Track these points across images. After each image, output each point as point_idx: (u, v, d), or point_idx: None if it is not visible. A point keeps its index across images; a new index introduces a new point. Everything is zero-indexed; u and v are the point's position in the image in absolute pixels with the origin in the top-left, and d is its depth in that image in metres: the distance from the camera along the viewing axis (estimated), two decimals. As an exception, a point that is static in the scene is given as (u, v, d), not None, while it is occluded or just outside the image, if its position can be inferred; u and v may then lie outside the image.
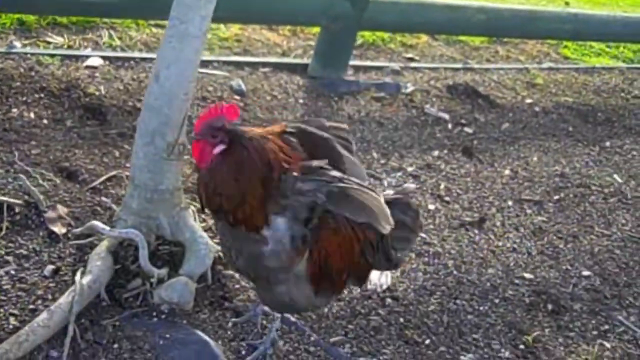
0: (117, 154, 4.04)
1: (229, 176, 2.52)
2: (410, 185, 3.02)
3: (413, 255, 3.89)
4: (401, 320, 3.40)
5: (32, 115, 4.18)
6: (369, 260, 2.74)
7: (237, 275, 3.34)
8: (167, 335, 3.00)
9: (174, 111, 3.24)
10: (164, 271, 3.20)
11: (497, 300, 3.67)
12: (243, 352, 3.03)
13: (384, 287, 3.56)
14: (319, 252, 2.63)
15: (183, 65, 3.19)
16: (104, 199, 3.58)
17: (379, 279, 3.59)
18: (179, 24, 3.16)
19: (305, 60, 5.76)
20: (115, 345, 2.90)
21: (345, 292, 3.48)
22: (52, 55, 4.81)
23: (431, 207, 4.35)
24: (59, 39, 5.16)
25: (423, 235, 4.06)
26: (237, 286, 3.34)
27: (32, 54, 4.76)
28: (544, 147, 5.45)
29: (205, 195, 2.60)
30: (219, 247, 3.34)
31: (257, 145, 2.54)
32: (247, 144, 2.52)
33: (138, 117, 3.32)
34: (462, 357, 3.27)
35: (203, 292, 3.26)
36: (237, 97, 5.00)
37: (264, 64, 5.56)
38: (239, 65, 5.45)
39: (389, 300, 3.50)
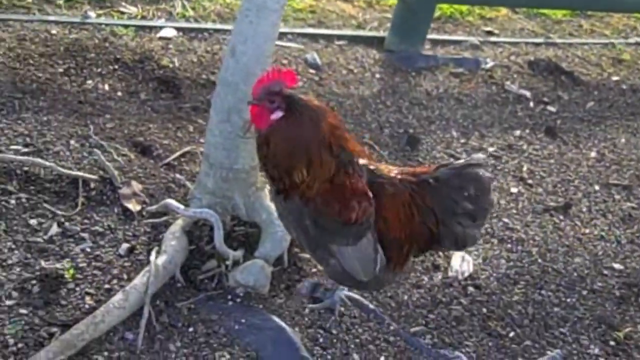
0: (190, 128, 3.95)
1: (283, 145, 2.47)
2: (479, 155, 2.81)
3: (495, 240, 3.72)
4: (484, 310, 3.25)
5: (106, 87, 4.12)
6: (432, 229, 2.63)
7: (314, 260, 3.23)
8: (243, 320, 2.92)
9: (251, 87, 3.11)
10: (239, 253, 3.10)
11: (585, 292, 3.49)
12: (320, 340, 2.92)
13: (466, 274, 3.41)
14: (378, 219, 2.55)
15: (260, 40, 3.07)
16: (178, 176, 3.50)
17: (460, 265, 3.44)
18: (256, -4, 3.03)
19: (381, 33, 5.58)
20: (191, 329, 2.82)
21: (426, 279, 3.35)
22: (126, 26, 4.74)
23: (513, 190, 4.16)
24: (132, 9, 5.08)
25: (505, 220, 3.89)
26: (314, 270, 3.23)
27: (106, 25, 4.69)
28: (632, 127, 5.18)
29: (260, 161, 2.57)
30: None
31: (314, 116, 2.46)
32: (304, 113, 2.45)
33: (213, 93, 3.21)
34: (548, 352, 3.10)
35: (279, 275, 3.16)
36: (312, 71, 4.87)
37: (339, 37, 5.40)
38: (313, 37, 5.30)
39: (470, 288, 3.35)
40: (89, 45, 4.37)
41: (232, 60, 3.10)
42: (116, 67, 4.29)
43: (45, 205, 3.14)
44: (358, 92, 4.79)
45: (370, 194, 2.53)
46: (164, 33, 4.79)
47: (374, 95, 4.79)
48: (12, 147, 3.38)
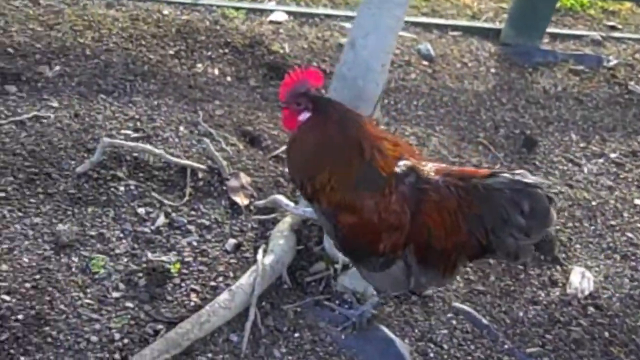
0: (301, 119, 3.82)
1: (307, 146, 2.37)
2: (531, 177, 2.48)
3: (617, 257, 3.48)
4: (606, 334, 3.03)
5: (216, 71, 4.03)
6: (480, 239, 2.40)
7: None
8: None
9: (369, 83, 2.97)
10: (348, 256, 2.97)
11: None
12: (431, 355, 2.77)
13: (586, 292, 3.19)
14: (420, 228, 2.39)
15: (382, 34, 2.91)
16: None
17: (579, 282, 3.22)
18: (381, -12, 2.87)
19: (497, 25, 5.33)
20: (297, 335, 2.71)
21: (542, 294, 3.14)
22: (237, 9, 4.65)
23: (637, 201, 3.89)
24: (244, -9, 4.98)
25: (629, 234, 3.63)
26: (423, 277, 3.06)
27: (218, 7, 4.61)
28: None
29: (287, 165, 2.47)
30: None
31: (342, 117, 2.36)
32: (331, 113, 2.36)
33: (328, 87, 3.08)
34: (676, 386, 2.88)
35: (388, 282, 3.00)
36: (425, 63, 4.68)
37: (454, 27, 5.19)
38: (426, 27, 5.10)
39: (591, 309, 3.13)
40: (199, 28, 4.29)
41: (351, 53, 2.95)
42: (226, 51, 4.21)
43: (154, 194, 3.07)
44: (472, 87, 4.58)
45: (405, 221, 2.38)
46: (274, 17, 4.68)
47: (488, 91, 4.57)
48: (123, 131, 3.32)
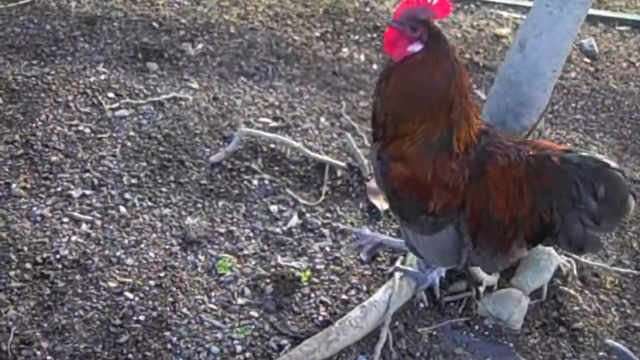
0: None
1: (408, 84, 2.09)
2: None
3: None
4: None
5: (362, 57, 3.80)
6: (543, 216, 2.13)
7: (579, 297, 2.76)
8: (489, 359, 2.52)
9: (536, 90, 2.66)
10: (494, 278, 2.70)
11: None
12: (579, 397, 2.48)
13: None
14: (479, 192, 2.13)
15: (558, 35, 2.59)
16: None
17: None
18: (563, -15, 2.54)
19: (671, 21, 4.83)
20: (430, 362, 2.47)
21: None
22: (389, -10, 4.39)
23: None
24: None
25: None
26: (575, 308, 2.76)
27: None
28: None
29: (373, 98, 2.20)
30: (562, 259, 2.78)
31: (455, 65, 2.08)
32: (446, 56, 2.06)
33: (490, 89, 2.79)
34: None
35: (535, 310, 2.72)
36: (587, 60, 4.28)
37: (622, 21, 4.73)
38: (592, 19, 4.67)
39: None
40: (348, 9, 4.06)
41: (519, 55, 2.65)
42: (374, 35, 3.97)
43: (288, 190, 2.89)
44: (639, 90, 4.15)
45: (460, 181, 2.13)
46: (428, 1, 4.38)
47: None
48: (261, 119, 3.16)
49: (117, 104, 3.07)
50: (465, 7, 4.43)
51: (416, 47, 2.06)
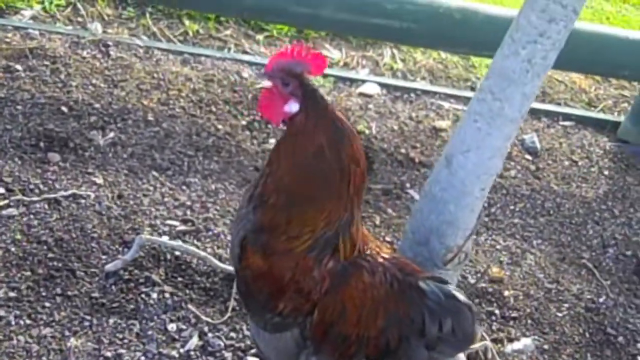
0: (377, 220, 3.30)
1: (300, 158, 1.86)
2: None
3: None
4: None
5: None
6: (390, 340, 2.03)
7: None
8: None
9: (463, 209, 2.45)
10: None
11: None
12: None
13: None
14: (335, 303, 2.00)
15: (487, 153, 2.39)
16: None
17: None
18: (492, 100, 2.35)
19: (615, 117, 4.70)
20: None
21: None
22: (325, 76, 4.18)
23: None
24: (335, 54, 4.52)
25: None
26: None
27: (304, 72, 4.14)
28: None
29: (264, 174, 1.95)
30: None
31: (340, 130, 1.86)
32: (328, 117, 1.85)
33: (414, 204, 2.56)
34: None
35: None
36: (528, 157, 4.10)
37: (566, 116, 4.58)
38: (535, 113, 4.52)
39: None
40: (280, 96, 3.82)
41: (445, 171, 2.43)
42: (305, 125, 3.72)
43: (190, 306, 2.61)
44: (580, 191, 3.97)
45: (317, 289, 1.97)
46: (365, 88, 4.20)
47: (599, 198, 3.95)
48: (169, 221, 2.88)
49: (6, 201, 2.77)
50: (404, 95, 4.24)
51: (293, 107, 1.86)
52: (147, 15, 4.31)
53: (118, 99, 3.47)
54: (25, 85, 3.38)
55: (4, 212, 2.73)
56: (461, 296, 2.03)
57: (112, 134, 3.25)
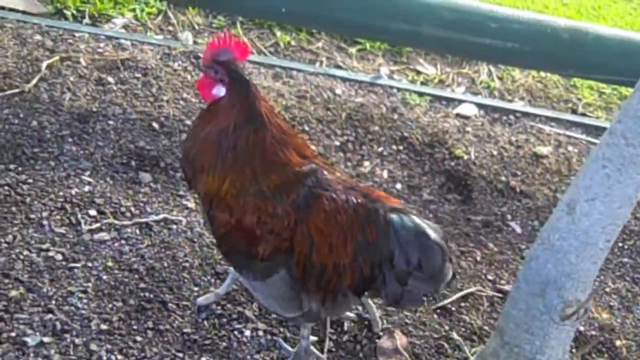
0: (478, 255, 3.11)
1: (215, 132, 2.10)
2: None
3: None
4: None
5: (385, 174, 3.40)
6: (363, 269, 2.13)
7: None
8: None
9: (585, 262, 2.27)
10: None
11: None
12: None
13: None
14: (304, 236, 2.12)
15: (616, 202, 2.20)
16: (454, 335, 2.68)
17: None
18: (624, 145, 2.15)
19: None
20: None
21: None
22: (420, 94, 4.00)
23: None
24: (430, 70, 4.33)
25: None
26: None
27: (398, 89, 3.98)
28: None
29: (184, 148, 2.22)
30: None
31: (259, 106, 2.09)
32: (249, 97, 2.08)
33: (529, 251, 2.37)
34: None
35: None
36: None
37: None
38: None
39: None
40: (374, 115, 3.68)
41: (567, 219, 2.24)
42: (400, 147, 3.57)
43: (284, 342, 2.46)
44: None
45: (285, 225, 2.12)
46: (462, 109, 4.00)
47: None
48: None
49: (98, 224, 2.67)
50: (503, 117, 4.04)
51: (220, 91, 2.12)
52: (238, 24, 4.18)
53: (210, 116, 3.35)
54: (117, 99, 3.29)
55: (95, 236, 2.63)
56: (432, 233, 2.11)
57: (204, 154, 3.12)
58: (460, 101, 4.05)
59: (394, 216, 2.12)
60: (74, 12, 3.88)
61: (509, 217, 3.37)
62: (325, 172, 2.20)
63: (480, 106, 4.06)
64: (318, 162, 2.23)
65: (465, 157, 3.61)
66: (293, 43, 4.20)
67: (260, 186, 2.10)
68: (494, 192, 3.49)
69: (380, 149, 3.53)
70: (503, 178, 3.57)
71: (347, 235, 2.12)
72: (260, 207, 2.10)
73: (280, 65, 3.88)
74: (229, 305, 2.54)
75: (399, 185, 3.37)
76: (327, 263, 2.13)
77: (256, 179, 2.10)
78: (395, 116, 3.74)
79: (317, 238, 2.12)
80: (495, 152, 3.73)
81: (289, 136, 2.17)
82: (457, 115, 3.94)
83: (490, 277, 2.99)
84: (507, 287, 2.91)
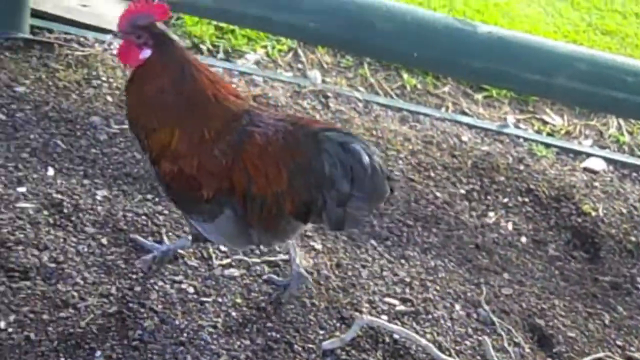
0: (606, 318, 3.01)
1: (144, 96, 2.24)
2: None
3: None
4: None
5: (509, 226, 3.34)
6: (301, 193, 2.25)
7: None
8: None
9: None
10: None
11: None
12: None
13: None
14: (241, 172, 2.26)
15: None
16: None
17: None
18: None
19: None
20: None
21: None
22: (547, 145, 3.93)
23: None
24: (556, 120, 4.26)
25: None
26: None
27: (525, 139, 3.92)
28: None
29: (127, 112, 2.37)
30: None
31: (186, 61, 2.23)
32: (175, 55, 2.21)
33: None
34: None
35: None
36: None
37: None
38: None
39: None
40: (500, 165, 3.62)
41: None
42: (526, 199, 3.50)
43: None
44: None
45: (223, 166, 2.25)
46: (590, 163, 3.90)
47: None
48: (388, 299, 2.75)
49: (228, 260, 2.72)
50: (633, 174, 3.92)
51: (146, 53, 2.21)
52: (365, 65, 4.22)
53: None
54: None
55: (226, 271, 2.68)
56: (358, 144, 2.20)
57: (332, 195, 3.15)
58: (588, 154, 3.95)
59: (321, 136, 2.24)
60: (210, 46, 3.99)
61: (639, 279, 3.26)
62: (257, 110, 2.35)
63: (608, 161, 3.95)
64: (249, 101, 2.42)
65: (593, 213, 3.51)
66: (419, 86, 4.20)
67: (203, 133, 2.23)
68: (623, 253, 3.38)
69: (505, 200, 3.47)
70: (633, 238, 3.45)
71: (280, 164, 2.24)
72: (200, 152, 2.23)
73: (408, 109, 3.88)
74: (353, 352, 2.53)
75: (524, 239, 3.31)
76: (266, 193, 2.26)
77: (200, 126, 2.23)
78: (522, 167, 3.68)
79: (252, 172, 2.25)
80: (624, 210, 3.62)
81: (219, 82, 2.30)
82: (585, 169, 3.85)
83: (619, 343, 2.89)
84: (637, 355, 2.81)
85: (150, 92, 2.22)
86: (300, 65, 4.13)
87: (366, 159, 2.19)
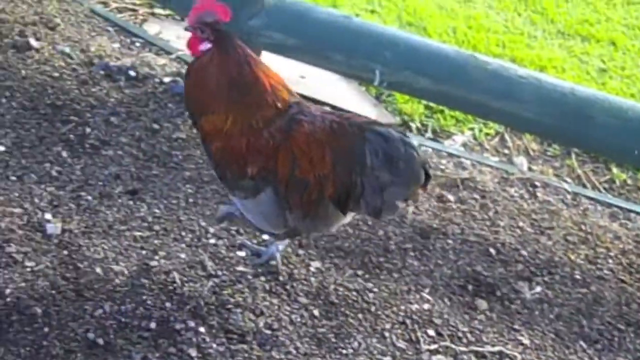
0: None
1: (203, 83, 2.50)
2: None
3: None
4: None
5: None
6: (343, 176, 2.44)
7: None
8: None
9: None
10: None
11: None
12: None
13: None
14: (287, 155, 2.47)
15: None
16: None
17: None
18: None
19: None
20: None
21: None
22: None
23: None
24: None
25: None
26: None
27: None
28: None
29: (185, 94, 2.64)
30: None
31: (241, 57, 2.49)
32: (231, 51, 2.48)
33: None
34: None
35: None
36: None
37: None
38: None
39: None
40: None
41: None
42: None
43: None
44: None
45: (271, 145, 2.48)
46: None
47: None
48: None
49: (435, 346, 2.71)
50: None
51: (206, 46, 2.50)
52: (573, 155, 4.13)
53: (545, 248, 3.31)
54: (456, 218, 3.35)
55: (434, 357, 2.66)
56: (399, 135, 2.42)
57: (538, 288, 3.08)
58: None
59: (365, 126, 2.45)
60: (419, 125, 4.06)
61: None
62: (305, 103, 2.57)
63: None
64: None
65: None
66: (629, 182, 4.06)
67: (254, 119, 2.47)
68: None
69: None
70: None
71: (325, 149, 2.44)
72: (250, 134, 2.46)
73: (618, 205, 3.76)
74: None
75: None
76: (309, 176, 2.45)
77: (252, 113, 2.46)
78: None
79: (298, 154, 2.45)
80: None
81: (273, 77, 2.52)
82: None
83: None
84: None
85: (208, 79, 2.48)
86: (506, 151, 4.11)
87: (403, 147, 2.39)
